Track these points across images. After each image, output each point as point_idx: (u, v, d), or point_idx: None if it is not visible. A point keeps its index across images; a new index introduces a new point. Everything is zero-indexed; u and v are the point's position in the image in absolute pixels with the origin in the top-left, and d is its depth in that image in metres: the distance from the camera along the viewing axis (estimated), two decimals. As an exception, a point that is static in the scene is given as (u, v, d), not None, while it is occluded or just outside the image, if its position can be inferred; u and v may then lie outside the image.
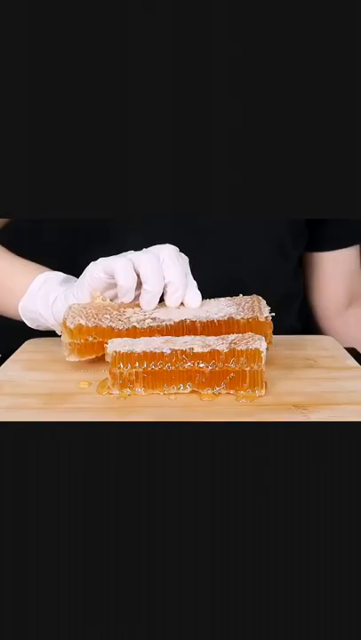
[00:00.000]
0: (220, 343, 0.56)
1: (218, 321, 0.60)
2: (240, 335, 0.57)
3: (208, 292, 0.72)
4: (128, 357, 0.56)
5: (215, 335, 0.59)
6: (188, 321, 0.60)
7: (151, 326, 0.60)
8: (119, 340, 0.58)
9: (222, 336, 0.58)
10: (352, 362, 0.63)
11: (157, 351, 0.55)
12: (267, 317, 0.60)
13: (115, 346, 0.56)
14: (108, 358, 0.57)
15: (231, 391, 0.55)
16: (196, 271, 0.69)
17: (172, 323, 0.60)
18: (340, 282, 0.89)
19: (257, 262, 0.80)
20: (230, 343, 0.56)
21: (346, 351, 0.67)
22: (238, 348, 0.55)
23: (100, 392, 0.57)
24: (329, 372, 0.61)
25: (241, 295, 0.64)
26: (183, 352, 0.55)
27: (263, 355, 0.55)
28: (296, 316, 0.87)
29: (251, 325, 0.60)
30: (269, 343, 0.61)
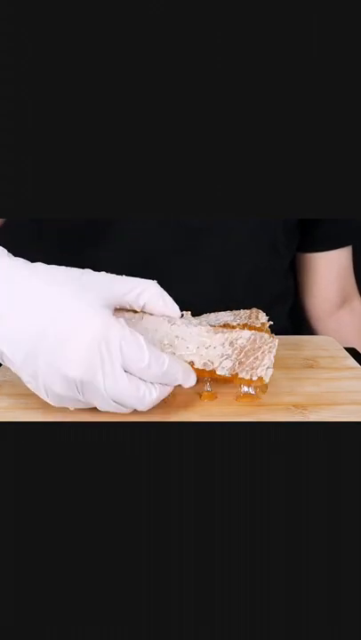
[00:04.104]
0: (223, 359, 0.52)
1: (214, 327, 0.60)
2: (251, 339, 0.53)
3: (201, 292, 0.71)
4: None
5: None
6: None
7: None
8: None
9: (230, 341, 0.53)
10: (352, 362, 0.63)
11: None
12: (263, 323, 0.60)
13: None
14: None
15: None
16: (190, 272, 0.69)
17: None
18: (334, 282, 0.89)
19: (250, 262, 0.80)
20: (235, 362, 0.51)
21: (345, 351, 0.67)
22: (241, 376, 0.52)
23: None
24: (329, 372, 0.61)
25: (242, 310, 0.65)
26: None
27: (267, 381, 0.52)
28: (287, 317, 0.87)
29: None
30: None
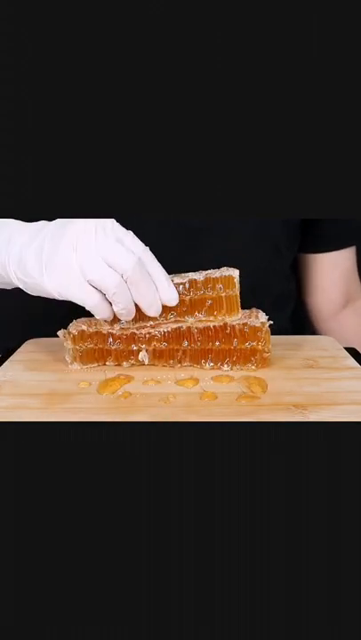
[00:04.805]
0: (197, 275, 0.62)
1: (214, 327, 0.61)
2: (215, 269, 0.63)
3: None
4: None
5: (212, 341, 0.62)
6: (184, 327, 0.62)
7: (150, 333, 0.62)
8: None
9: (199, 271, 0.63)
10: (352, 362, 0.63)
11: None
12: (263, 323, 0.61)
13: None
14: None
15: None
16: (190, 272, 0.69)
17: (169, 329, 0.62)
18: (337, 282, 0.88)
19: (251, 262, 0.79)
20: (207, 274, 0.62)
21: (346, 351, 0.67)
22: (213, 276, 0.61)
23: (100, 392, 0.57)
24: (329, 372, 0.61)
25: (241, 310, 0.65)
26: None
27: (236, 280, 0.61)
28: (289, 319, 0.87)
29: (248, 330, 0.61)
30: (268, 352, 0.61)
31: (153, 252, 0.60)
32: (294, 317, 0.88)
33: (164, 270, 0.60)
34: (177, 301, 0.61)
